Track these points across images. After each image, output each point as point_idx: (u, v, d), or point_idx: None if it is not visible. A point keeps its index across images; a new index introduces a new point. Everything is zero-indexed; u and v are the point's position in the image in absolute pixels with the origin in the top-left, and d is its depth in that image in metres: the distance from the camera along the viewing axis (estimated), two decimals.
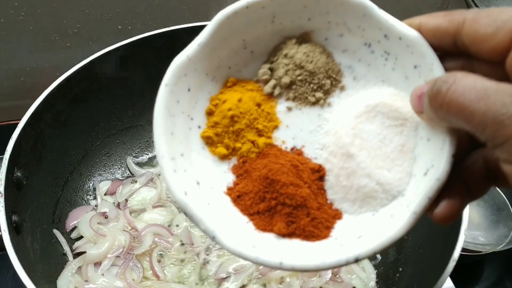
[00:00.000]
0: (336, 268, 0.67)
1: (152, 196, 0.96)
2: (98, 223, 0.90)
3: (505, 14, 0.39)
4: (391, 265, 0.90)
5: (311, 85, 0.52)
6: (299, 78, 0.52)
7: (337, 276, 0.87)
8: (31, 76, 1.25)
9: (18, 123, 0.79)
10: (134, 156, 1.05)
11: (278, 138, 0.52)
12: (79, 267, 0.84)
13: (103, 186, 0.98)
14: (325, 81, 0.52)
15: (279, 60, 0.53)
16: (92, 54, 0.91)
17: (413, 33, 0.46)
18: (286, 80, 0.52)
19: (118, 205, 0.95)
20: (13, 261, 0.65)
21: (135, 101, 1.03)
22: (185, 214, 0.47)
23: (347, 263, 0.45)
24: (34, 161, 0.84)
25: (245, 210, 0.49)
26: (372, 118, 0.49)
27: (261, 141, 0.52)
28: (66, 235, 0.89)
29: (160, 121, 0.48)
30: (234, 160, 0.52)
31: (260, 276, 0.85)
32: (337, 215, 0.49)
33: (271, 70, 0.53)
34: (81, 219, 0.90)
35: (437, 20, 0.44)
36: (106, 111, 1.00)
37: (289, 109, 0.53)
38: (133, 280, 0.83)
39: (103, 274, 0.83)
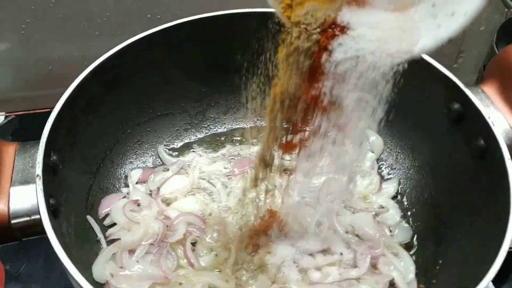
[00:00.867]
0: None
1: (184, 184, 0.95)
2: (131, 210, 0.88)
3: None
4: (430, 257, 0.87)
5: None
6: None
7: (375, 267, 0.85)
8: (59, 65, 1.25)
9: (47, 112, 0.78)
10: (165, 145, 1.04)
11: None
12: (113, 254, 0.83)
13: (135, 174, 0.97)
14: None
15: None
16: (121, 42, 0.90)
17: None
18: None
19: (150, 193, 0.94)
20: (53, 244, 0.64)
21: (165, 89, 1.02)
22: None
23: None
24: (69, 147, 0.83)
25: None
26: None
27: None
28: (99, 222, 0.88)
29: None
30: None
31: (296, 265, 0.83)
32: None
33: None
34: (113, 206, 0.89)
35: None
36: (137, 98, 0.99)
37: None
38: (168, 268, 0.82)
39: (138, 261, 0.81)
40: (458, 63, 1.45)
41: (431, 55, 0.88)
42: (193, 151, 1.04)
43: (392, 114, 1.01)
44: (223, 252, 0.86)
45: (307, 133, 0.68)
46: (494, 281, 0.99)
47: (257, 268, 0.84)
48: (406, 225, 0.93)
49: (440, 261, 0.85)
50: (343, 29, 0.58)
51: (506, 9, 1.25)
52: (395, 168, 1.02)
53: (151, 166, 1.01)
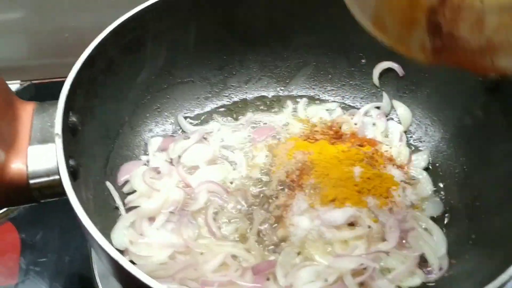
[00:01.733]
0: None
1: (205, 153, 0.92)
2: (151, 177, 0.85)
3: None
4: (462, 232, 0.83)
5: None
6: None
7: (405, 241, 0.81)
8: (75, 33, 1.22)
9: (62, 80, 0.74)
10: (185, 113, 1.01)
11: None
12: (132, 222, 0.80)
13: (155, 142, 0.94)
14: None
15: None
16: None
17: None
18: None
19: (171, 162, 0.91)
20: (73, 204, 0.61)
21: (186, 56, 0.98)
22: None
23: None
24: (88, 109, 0.80)
25: None
26: None
27: None
28: (118, 188, 0.86)
29: None
30: None
31: (321, 237, 0.80)
32: None
33: None
34: (133, 173, 0.86)
35: None
36: (157, 64, 0.95)
37: None
38: (189, 236, 0.79)
39: (158, 229, 0.79)
40: None
41: None
42: (215, 121, 1.00)
43: (421, 84, 0.99)
44: (245, 223, 0.83)
45: None
46: None
47: (280, 241, 0.81)
48: (437, 199, 0.89)
49: (473, 236, 0.81)
50: None
51: None
52: (424, 141, 0.98)
53: (171, 134, 0.98)
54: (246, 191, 0.87)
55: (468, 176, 0.88)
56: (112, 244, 0.75)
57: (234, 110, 1.03)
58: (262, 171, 0.90)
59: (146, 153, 0.93)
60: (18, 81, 1.22)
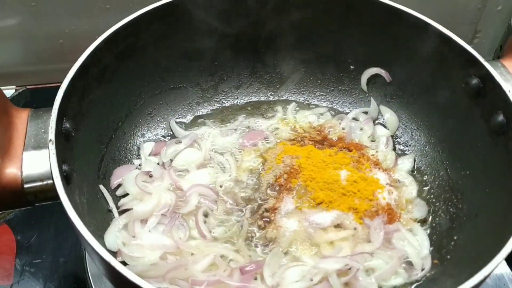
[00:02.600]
0: None
1: (196, 157, 0.94)
2: (143, 181, 0.88)
3: None
4: (445, 233, 0.86)
5: None
6: None
7: (389, 242, 0.84)
8: (69, 39, 1.24)
9: (57, 86, 0.76)
10: (177, 118, 1.03)
11: None
12: (125, 224, 0.82)
13: (147, 146, 0.97)
14: None
15: None
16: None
17: None
18: None
19: (163, 165, 0.93)
20: (66, 208, 0.63)
21: (179, 62, 1.01)
22: None
23: None
24: (81, 115, 0.82)
25: None
26: None
27: None
28: (111, 192, 0.88)
29: None
30: None
31: (308, 239, 0.82)
32: None
33: None
34: (126, 177, 0.88)
35: None
36: (150, 70, 0.98)
37: None
38: (180, 238, 0.81)
39: (150, 231, 0.81)
40: (474, 43, 1.43)
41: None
42: (206, 125, 1.02)
43: (407, 89, 1.01)
44: (235, 225, 0.85)
45: None
46: (508, 259, 0.99)
47: (268, 242, 0.84)
48: (422, 201, 0.91)
49: (455, 238, 0.84)
50: None
51: None
52: (410, 145, 1.00)
53: (163, 139, 1.00)
54: (235, 194, 0.90)
55: (451, 179, 0.91)
56: (105, 246, 0.78)
57: (225, 115, 1.05)
58: (252, 175, 0.93)
59: (138, 157, 0.95)
60: (13, 87, 1.24)
